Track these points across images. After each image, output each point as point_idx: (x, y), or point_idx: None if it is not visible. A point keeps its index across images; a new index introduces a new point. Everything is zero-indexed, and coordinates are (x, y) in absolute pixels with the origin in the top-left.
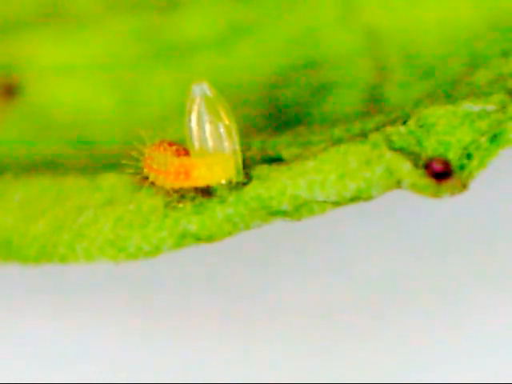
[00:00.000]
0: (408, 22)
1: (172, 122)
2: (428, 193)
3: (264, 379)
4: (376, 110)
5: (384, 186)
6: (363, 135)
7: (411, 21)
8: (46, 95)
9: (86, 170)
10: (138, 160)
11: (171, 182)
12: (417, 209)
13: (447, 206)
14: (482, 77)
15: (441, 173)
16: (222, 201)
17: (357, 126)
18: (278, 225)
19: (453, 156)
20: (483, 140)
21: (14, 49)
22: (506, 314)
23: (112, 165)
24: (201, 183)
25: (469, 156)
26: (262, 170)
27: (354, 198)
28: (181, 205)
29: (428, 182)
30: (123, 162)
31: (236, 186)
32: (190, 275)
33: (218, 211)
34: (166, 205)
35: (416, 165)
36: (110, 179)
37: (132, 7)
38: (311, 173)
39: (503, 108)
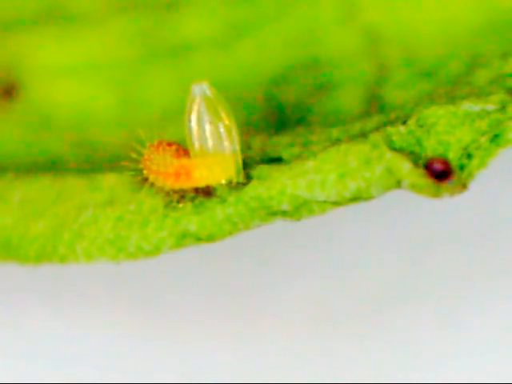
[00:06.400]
0: (408, 21)
1: (172, 122)
2: (428, 193)
3: (264, 379)
4: (376, 110)
5: (384, 186)
6: (363, 135)
7: (411, 21)
8: (46, 95)
9: (86, 170)
10: (137, 161)
11: (171, 183)
12: (417, 209)
13: (447, 205)
14: (481, 77)
15: (441, 173)
16: (222, 201)
17: (357, 126)
18: (278, 225)
19: (453, 156)
20: (483, 140)
21: (14, 49)
22: (507, 314)
23: (112, 165)
24: (201, 183)
25: (469, 156)
26: (261, 170)
27: (354, 198)
28: (181, 205)
29: (428, 181)
30: (123, 163)
31: (236, 186)
32: (190, 275)
33: (217, 211)
34: (166, 205)
35: (416, 165)
36: (110, 179)
37: (132, 7)
38: (311, 173)
39: (503, 108)
